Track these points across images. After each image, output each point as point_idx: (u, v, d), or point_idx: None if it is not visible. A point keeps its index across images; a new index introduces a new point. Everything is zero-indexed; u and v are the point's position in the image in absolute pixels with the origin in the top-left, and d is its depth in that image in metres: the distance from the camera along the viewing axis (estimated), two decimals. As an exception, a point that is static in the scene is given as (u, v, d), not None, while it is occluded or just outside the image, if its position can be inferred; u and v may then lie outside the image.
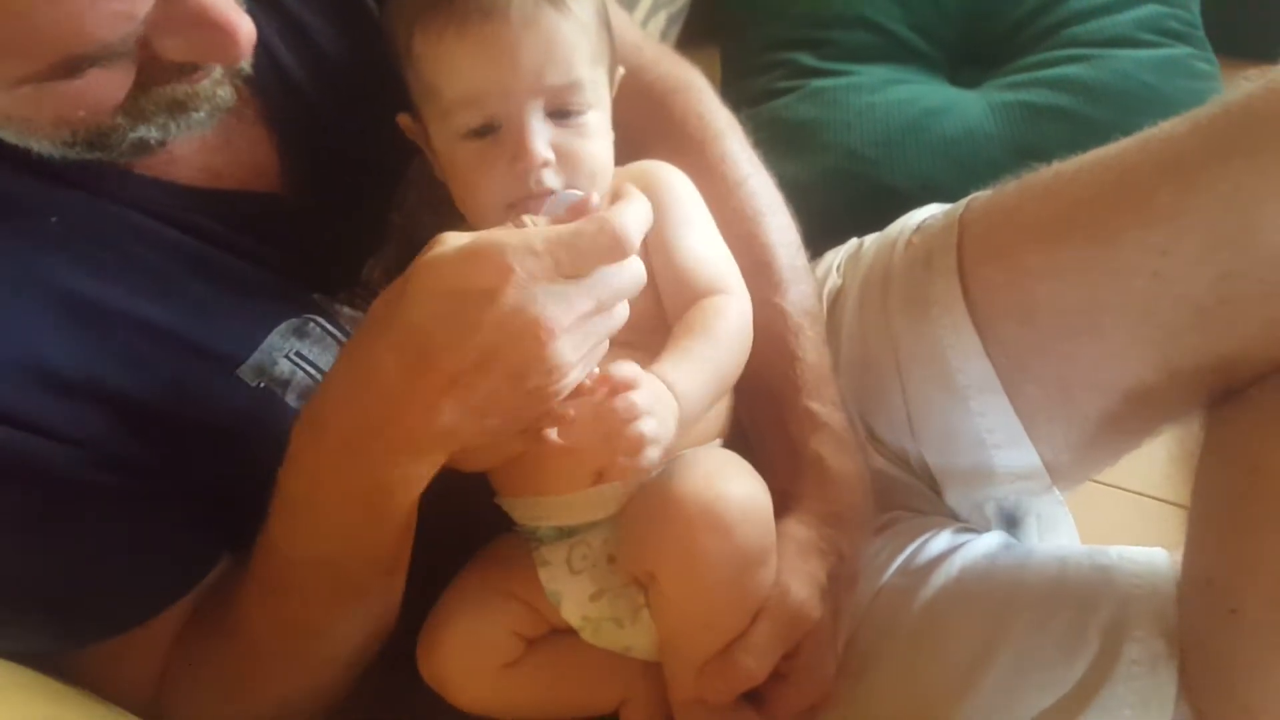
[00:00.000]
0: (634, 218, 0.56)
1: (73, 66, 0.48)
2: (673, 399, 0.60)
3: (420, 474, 0.57)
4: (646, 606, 0.64)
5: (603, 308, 0.55)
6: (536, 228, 0.56)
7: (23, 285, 0.57)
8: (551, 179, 0.63)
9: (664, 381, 0.60)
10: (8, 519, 0.57)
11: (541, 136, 0.62)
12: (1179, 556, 0.70)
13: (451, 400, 0.52)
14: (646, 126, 0.73)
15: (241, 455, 0.62)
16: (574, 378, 0.55)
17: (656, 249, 0.68)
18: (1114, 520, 1.13)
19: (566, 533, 0.66)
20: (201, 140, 0.65)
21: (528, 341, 0.52)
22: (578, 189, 0.63)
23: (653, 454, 0.57)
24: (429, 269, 0.52)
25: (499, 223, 0.63)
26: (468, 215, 0.67)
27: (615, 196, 0.68)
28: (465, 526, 0.69)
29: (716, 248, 0.70)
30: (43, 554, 0.58)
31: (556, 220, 0.58)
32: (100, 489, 0.59)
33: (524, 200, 0.63)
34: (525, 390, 0.54)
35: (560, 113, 0.63)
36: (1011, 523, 0.80)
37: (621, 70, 0.70)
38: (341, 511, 0.57)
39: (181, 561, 0.64)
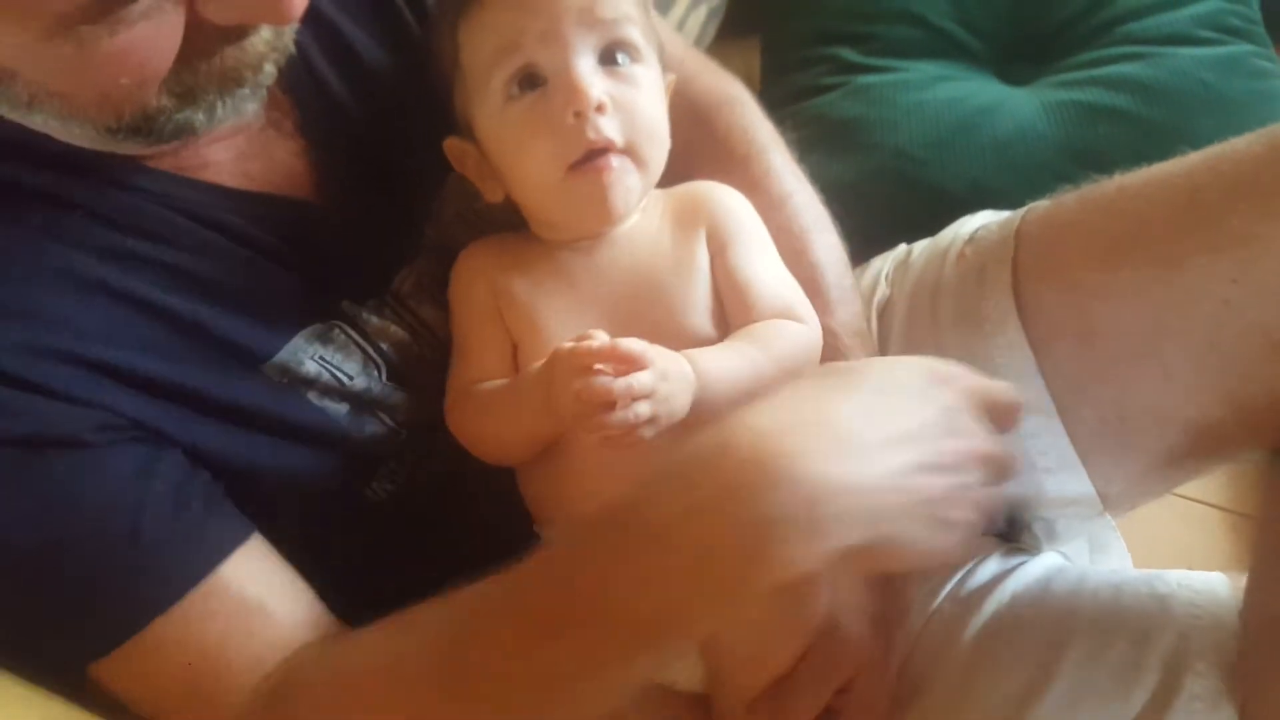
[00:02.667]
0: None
1: (114, 2, 0.46)
2: (691, 376, 0.58)
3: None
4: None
5: None
6: None
7: (45, 272, 0.56)
8: (611, 128, 0.60)
9: (689, 359, 0.58)
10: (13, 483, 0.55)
11: (594, 78, 0.59)
12: (1240, 580, 0.68)
13: None
14: (689, 140, 0.71)
15: (259, 446, 0.62)
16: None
17: (726, 277, 0.66)
18: (1167, 528, 1.11)
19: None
20: (236, 149, 0.65)
21: None
22: (638, 144, 0.61)
23: (646, 433, 0.55)
24: None
25: (560, 199, 0.61)
26: (525, 198, 0.65)
27: (675, 219, 0.68)
28: (489, 541, 0.68)
29: (785, 276, 0.68)
30: (50, 524, 0.56)
31: None
32: (114, 453, 0.57)
33: (585, 158, 0.60)
34: None
35: (611, 58, 0.61)
36: (1059, 541, 0.78)
37: (671, 76, 0.69)
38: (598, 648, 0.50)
39: (210, 533, 0.60)
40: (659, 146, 0.64)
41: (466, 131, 0.66)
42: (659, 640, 0.49)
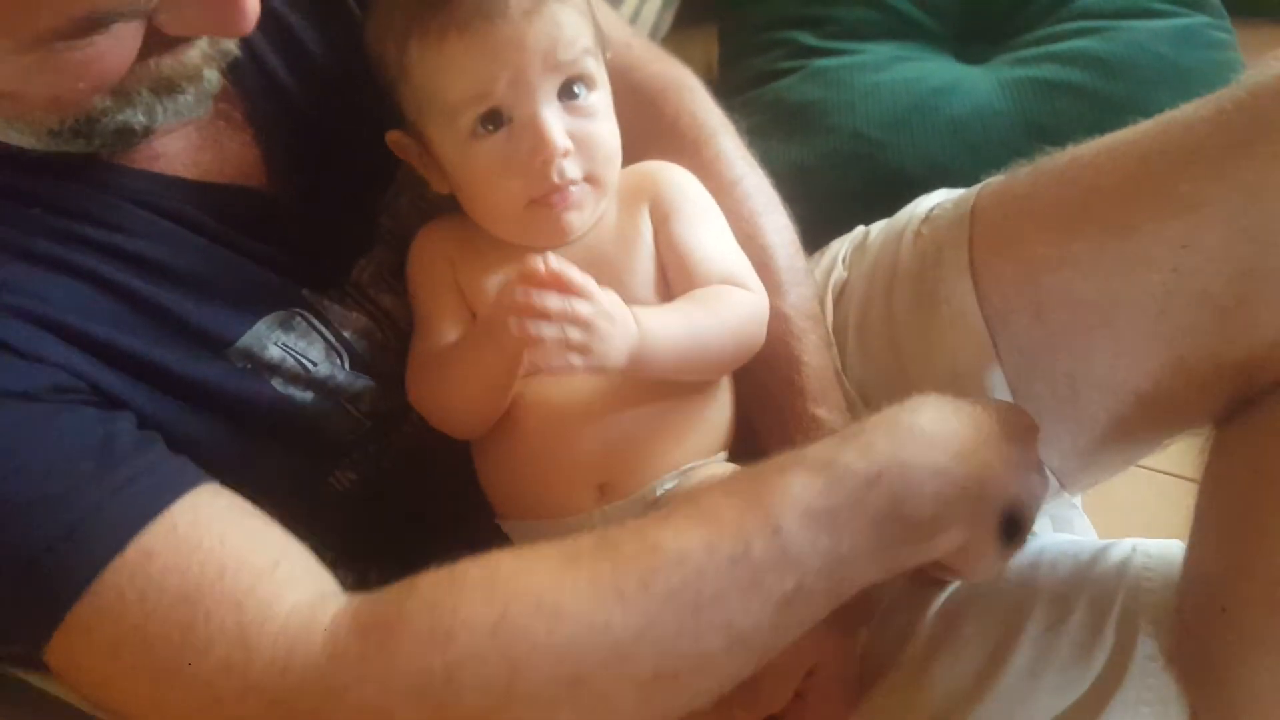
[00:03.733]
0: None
1: (96, 23, 0.47)
2: (634, 328, 0.59)
3: None
4: None
5: None
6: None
7: (7, 251, 0.56)
8: (573, 169, 0.63)
9: (632, 313, 0.59)
10: None
11: (558, 125, 0.62)
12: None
13: None
14: (638, 127, 0.71)
15: (221, 429, 0.61)
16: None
17: (669, 248, 0.68)
18: (1134, 500, 1.11)
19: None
20: (187, 142, 0.64)
21: None
22: (596, 173, 0.64)
23: (574, 361, 0.57)
24: None
25: (519, 224, 0.64)
26: (483, 219, 0.67)
27: (621, 197, 0.69)
28: (452, 531, 0.68)
29: (730, 245, 0.70)
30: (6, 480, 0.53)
31: None
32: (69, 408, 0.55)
33: (546, 196, 0.63)
34: None
35: (571, 93, 0.63)
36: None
37: (609, 54, 0.69)
38: None
39: (162, 476, 0.56)
40: (615, 164, 0.67)
41: (413, 131, 0.67)
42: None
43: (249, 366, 0.63)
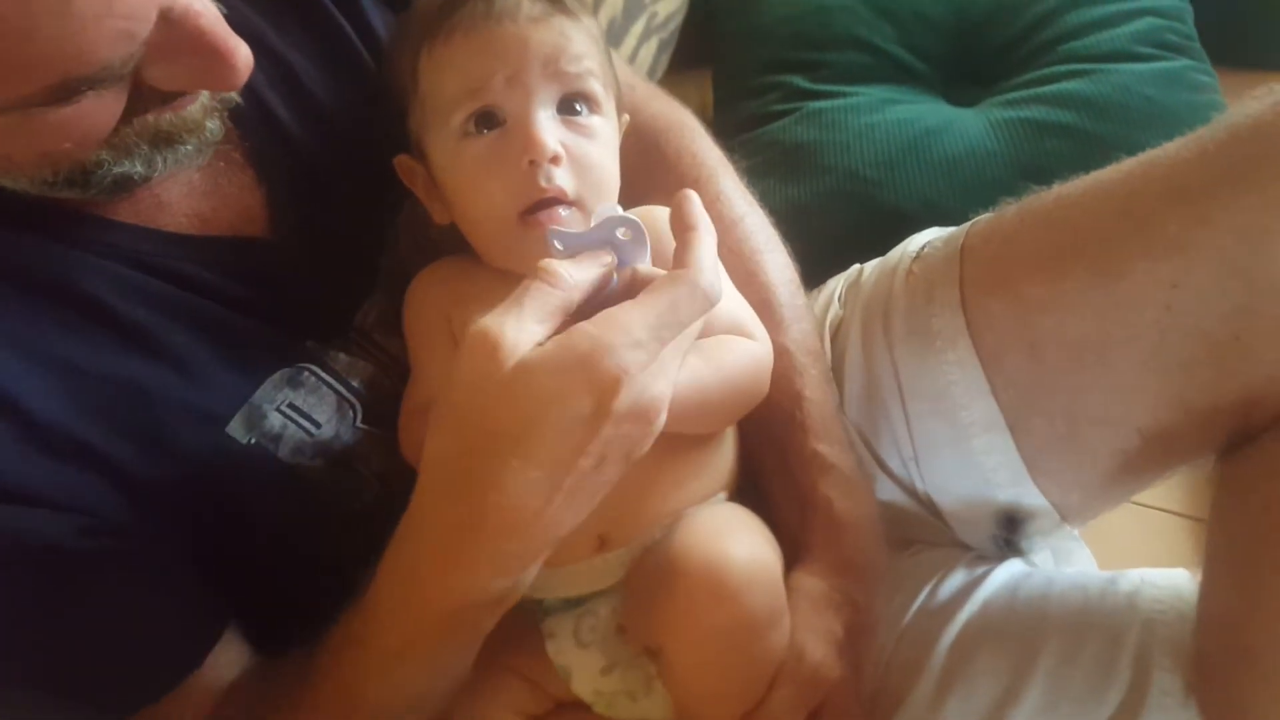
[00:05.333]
0: (713, 261, 0.52)
1: (70, 90, 0.47)
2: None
3: (527, 580, 0.53)
4: (659, 677, 0.62)
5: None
6: (629, 313, 0.49)
7: (4, 344, 0.55)
8: (563, 178, 0.60)
9: None
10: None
11: (550, 129, 0.60)
12: (1200, 576, 0.69)
13: (566, 507, 0.49)
14: (639, 166, 0.71)
15: (234, 515, 0.61)
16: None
17: None
18: (1131, 536, 1.11)
19: (573, 603, 0.64)
20: (189, 185, 0.64)
21: (641, 426, 0.50)
22: (585, 197, 0.61)
23: None
24: (521, 388, 0.47)
25: (507, 242, 0.61)
26: (473, 231, 0.65)
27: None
28: None
29: (734, 294, 0.68)
30: (35, 632, 0.56)
31: (591, 250, 0.53)
32: (90, 558, 0.57)
33: (536, 207, 0.60)
34: (628, 461, 0.51)
35: (571, 109, 0.62)
36: (1023, 554, 0.79)
37: (626, 117, 0.69)
38: (442, 646, 0.55)
39: (187, 633, 0.61)
40: (607, 193, 0.64)
41: (418, 152, 0.66)
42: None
43: (252, 440, 0.62)
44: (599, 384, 0.47)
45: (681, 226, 0.54)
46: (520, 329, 0.48)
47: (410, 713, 0.58)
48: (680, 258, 0.52)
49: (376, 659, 0.55)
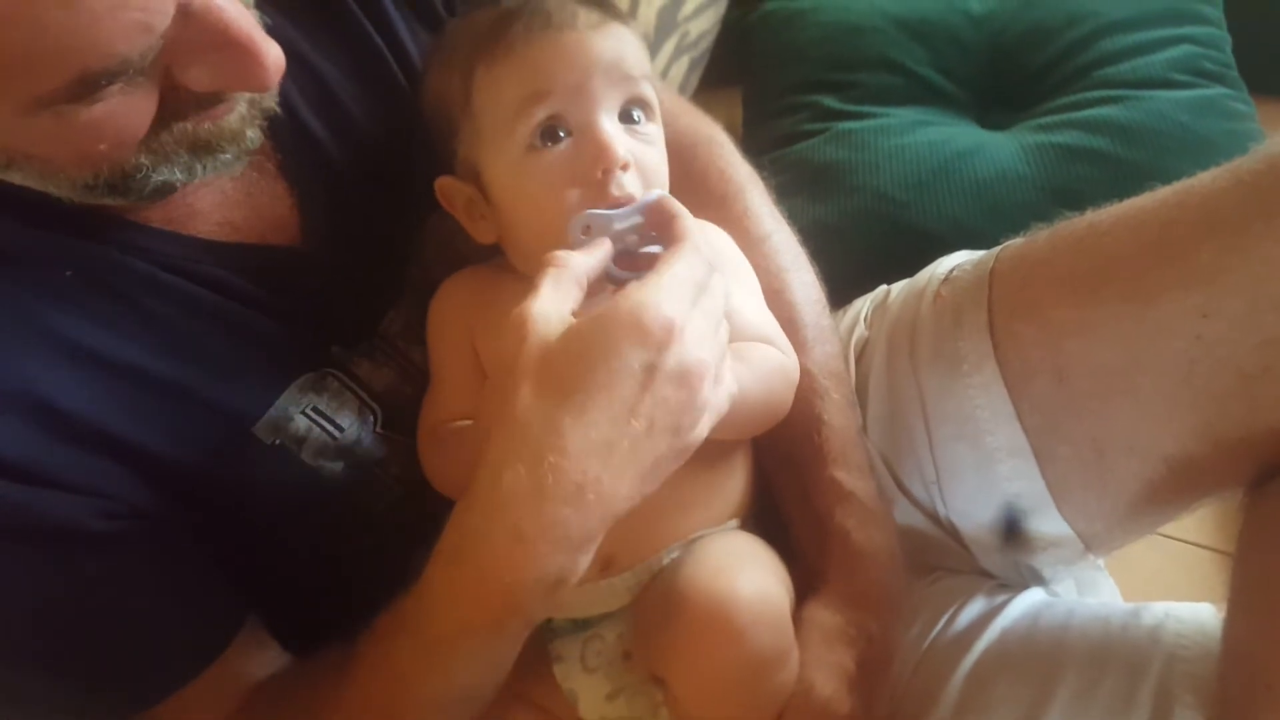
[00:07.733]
0: (697, 226, 0.59)
1: (91, 85, 0.47)
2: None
3: (580, 567, 0.53)
4: (666, 705, 0.61)
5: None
6: (658, 277, 0.54)
7: (31, 336, 0.56)
8: (633, 185, 0.60)
9: None
10: (22, 577, 0.55)
11: (620, 138, 0.61)
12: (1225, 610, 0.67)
13: (620, 475, 0.52)
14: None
15: (256, 513, 0.62)
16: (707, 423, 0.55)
17: None
18: (1157, 569, 1.10)
19: (581, 626, 0.64)
20: (221, 194, 0.64)
21: (688, 392, 0.53)
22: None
23: None
24: (576, 345, 0.52)
25: (570, 242, 0.61)
26: (533, 243, 0.63)
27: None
28: None
29: (761, 309, 0.68)
30: (56, 613, 0.57)
31: (623, 233, 0.58)
32: (111, 541, 0.57)
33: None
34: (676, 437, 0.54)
35: (630, 117, 0.62)
36: (1045, 583, 0.78)
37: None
38: (492, 635, 0.55)
39: (208, 620, 0.62)
40: None
41: (465, 173, 0.66)
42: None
43: (277, 442, 0.63)
44: (650, 333, 0.51)
45: (665, 219, 0.59)
46: (541, 301, 0.53)
47: (454, 708, 0.58)
48: (670, 237, 0.57)
49: (427, 647, 0.55)
